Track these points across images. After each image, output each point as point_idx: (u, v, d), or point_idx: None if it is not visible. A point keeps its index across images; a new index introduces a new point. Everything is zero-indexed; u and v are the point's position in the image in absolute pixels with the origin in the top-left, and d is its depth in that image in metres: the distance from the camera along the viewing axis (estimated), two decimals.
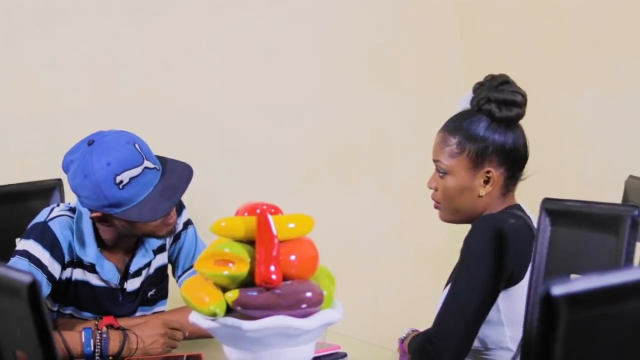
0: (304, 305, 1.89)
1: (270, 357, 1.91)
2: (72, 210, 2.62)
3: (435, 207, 2.52)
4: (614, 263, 2.16)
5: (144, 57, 3.64)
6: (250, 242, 1.94)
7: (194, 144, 3.68)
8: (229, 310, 1.91)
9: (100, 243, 2.62)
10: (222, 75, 3.75)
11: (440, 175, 2.48)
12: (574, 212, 2.32)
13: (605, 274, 1.44)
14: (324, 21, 3.91)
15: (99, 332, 2.52)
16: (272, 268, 1.89)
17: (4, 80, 3.47)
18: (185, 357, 2.48)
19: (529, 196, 2.50)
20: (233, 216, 1.99)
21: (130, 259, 2.66)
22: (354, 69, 3.96)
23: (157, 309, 2.75)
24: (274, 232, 1.91)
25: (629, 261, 2.15)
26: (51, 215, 2.60)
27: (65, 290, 2.63)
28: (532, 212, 2.45)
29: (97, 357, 2.50)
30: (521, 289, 2.38)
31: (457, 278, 2.39)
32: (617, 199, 2.75)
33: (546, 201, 2.34)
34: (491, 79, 2.49)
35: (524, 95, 2.47)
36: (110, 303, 2.65)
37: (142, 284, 2.69)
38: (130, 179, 2.47)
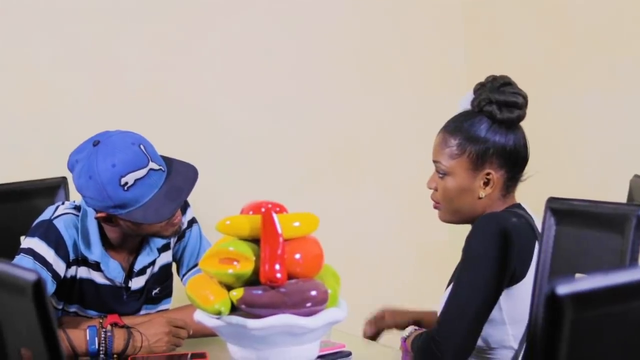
0: (308, 304, 1.89)
1: (274, 355, 1.91)
2: (77, 208, 2.62)
3: (435, 208, 2.52)
4: (619, 262, 2.16)
5: (147, 56, 3.64)
6: (255, 240, 1.94)
7: (198, 142, 3.69)
8: (234, 309, 1.91)
9: (105, 241, 2.62)
10: (225, 74, 3.75)
11: (440, 176, 2.47)
12: (579, 211, 2.32)
13: (610, 274, 1.44)
14: (327, 20, 3.91)
15: (104, 330, 2.52)
16: (277, 266, 1.89)
17: (8, 78, 3.47)
18: (189, 356, 2.47)
19: (533, 196, 2.50)
20: (238, 215, 1.99)
21: (135, 258, 2.66)
22: (356, 68, 3.96)
23: (162, 307, 2.75)
24: (279, 230, 1.91)
25: (634, 261, 2.15)
26: (56, 214, 2.60)
27: (70, 289, 2.63)
28: (537, 211, 2.45)
29: (102, 355, 2.50)
30: (523, 287, 2.38)
31: (459, 277, 2.39)
32: (622, 198, 2.75)
33: (551, 200, 2.34)
34: (492, 80, 2.48)
35: (524, 97, 2.47)
36: (115, 301, 2.65)
37: (147, 282, 2.69)
38: (135, 180, 2.47)
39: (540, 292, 2.30)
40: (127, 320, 2.58)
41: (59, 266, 2.57)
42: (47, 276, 2.53)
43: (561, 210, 2.33)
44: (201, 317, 1.94)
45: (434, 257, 3.92)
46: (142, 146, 2.51)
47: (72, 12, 3.54)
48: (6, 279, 1.58)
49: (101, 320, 2.56)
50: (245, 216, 1.97)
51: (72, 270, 2.61)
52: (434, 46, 4.07)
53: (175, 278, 2.79)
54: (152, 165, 2.50)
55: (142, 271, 2.67)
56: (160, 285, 2.73)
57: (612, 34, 3.52)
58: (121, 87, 3.60)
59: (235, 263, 1.92)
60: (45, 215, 2.62)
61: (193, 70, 3.71)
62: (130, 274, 2.65)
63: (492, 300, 2.37)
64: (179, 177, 2.55)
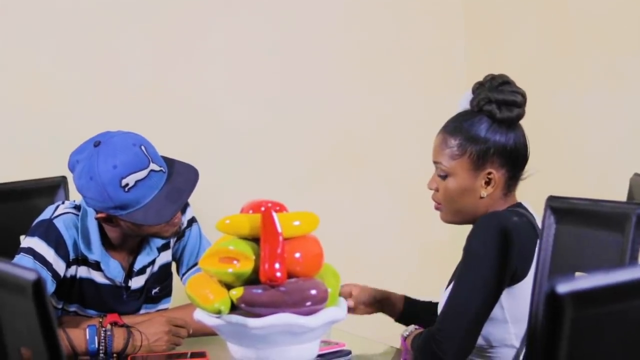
0: (308, 303, 1.89)
1: (274, 354, 1.91)
2: (77, 208, 2.62)
3: (436, 209, 2.52)
4: (619, 261, 2.16)
5: (148, 56, 3.64)
6: (255, 239, 1.94)
7: (198, 141, 3.69)
8: (234, 308, 1.91)
9: (105, 241, 2.62)
10: (225, 72, 3.75)
11: (440, 177, 2.47)
12: (579, 209, 2.32)
13: (610, 272, 1.43)
14: (328, 18, 3.91)
15: (104, 329, 2.52)
16: (277, 265, 1.89)
17: (8, 78, 3.47)
18: (189, 355, 2.47)
19: (534, 194, 2.49)
20: (238, 214, 1.99)
21: (135, 257, 2.66)
22: (357, 66, 3.96)
23: (161, 306, 2.75)
24: (279, 229, 1.91)
25: (634, 259, 2.15)
26: (56, 213, 2.60)
27: (69, 288, 2.63)
28: (537, 210, 2.44)
29: (102, 355, 2.50)
30: (524, 286, 2.37)
31: (460, 276, 2.39)
32: (622, 197, 2.75)
33: (551, 199, 2.34)
34: (491, 79, 2.48)
35: (523, 95, 2.47)
36: (115, 301, 2.65)
37: (147, 281, 2.69)
38: (136, 181, 2.47)
39: (540, 291, 2.30)
40: (127, 320, 2.58)
41: (59, 266, 2.57)
42: (47, 276, 2.53)
43: (561, 208, 2.32)
44: (201, 316, 1.94)
45: (435, 255, 3.92)
46: (143, 147, 2.50)
47: (73, 12, 3.54)
48: (6, 278, 1.58)
49: (101, 320, 2.56)
50: (245, 215, 1.97)
51: (72, 270, 2.61)
52: (435, 44, 4.07)
53: (175, 277, 2.79)
54: (153, 166, 2.50)
55: (142, 270, 2.67)
56: (160, 284, 2.73)
57: (612, 32, 3.52)
58: (121, 86, 3.60)
59: (235, 262, 1.92)
60: (45, 214, 2.62)
61: (194, 68, 3.71)
62: (130, 274, 2.65)
63: (492, 300, 2.37)
64: (180, 178, 2.55)
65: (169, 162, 2.57)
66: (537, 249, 2.37)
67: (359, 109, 3.96)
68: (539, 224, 2.40)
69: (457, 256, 2.46)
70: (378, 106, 4.00)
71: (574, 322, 1.38)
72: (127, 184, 2.46)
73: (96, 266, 2.62)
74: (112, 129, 2.59)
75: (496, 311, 2.38)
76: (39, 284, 1.51)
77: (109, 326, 2.53)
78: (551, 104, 3.68)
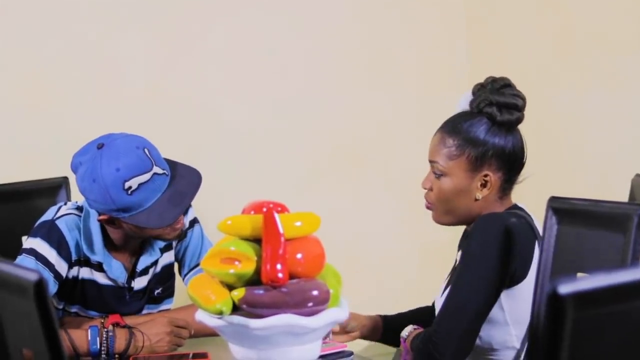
0: (310, 304, 1.89)
1: (276, 355, 1.91)
2: (80, 209, 2.62)
3: (427, 208, 2.50)
4: (621, 262, 2.16)
5: (148, 56, 3.64)
6: (256, 240, 1.94)
7: (199, 142, 3.69)
8: (235, 309, 1.91)
9: (108, 242, 2.62)
10: (227, 73, 3.75)
11: (436, 176, 2.46)
12: (581, 210, 2.32)
13: (611, 273, 1.43)
14: (329, 19, 3.91)
15: (105, 330, 2.52)
16: (279, 266, 1.89)
17: (9, 78, 3.47)
18: (191, 355, 2.47)
19: (535, 195, 2.49)
20: (239, 214, 1.99)
21: (138, 258, 2.66)
22: (359, 67, 3.96)
23: (163, 307, 2.75)
24: (281, 230, 1.91)
25: (635, 260, 2.15)
26: (58, 214, 2.60)
27: (72, 289, 2.63)
28: (538, 211, 2.44)
29: (103, 355, 2.50)
30: (524, 287, 2.37)
31: (459, 277, 2.39)
32: (624, 197, 2.75)
33: (553, 200, 2.34)
34: (492, 81, 2.47)
35: (524, 99, 2.46)
36: (117, 302, 2.65)
37: (149, 282, 2.69)
38: (139, 184, 2.47)
39: (542, 292, 2.30)
40: (129, 320, 2.58)
41: (61, 267, 2.57)
42: (49, 276, 2.53)
43: (563, 209, 2.33)
44: (203, 317, 1.94)
45: (436, 256, 3.92)
46: (146, 150, 2.50)
47: (73, 12, 3.54)
48: (8, 279, 1.58)
49: (103, 321, 2.57)
50: (246, 216, 1.97)
51: (74, 271, 2.61)
52: (436, 45, 4.07)
53: (178, 278, 2.79)
54: (156, 169, 2.50)
55: (144, 271, 2.67)
56: (163, 285, 2.73)
57: (613, 33, 3.52)
58: (123, 87, 3.60)
59: (236, 263, 1.92)
60: (48, 215, 2.62)
61: (195, 69, 3.71)
62: (132, 274, 2.65)
63: (491, 300, 2.36)
64: (183, 181, 2.55)
65: (172, 165, 2.57)
66: (537, 249, 2.37)
67: (361, 110, 3.96)
68: (537, 225, 2.40)
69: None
70: (379, 107, 4.00)
71: (575, 322, 1.38)
72: (130, 187, 2.46)
73: (98, 267, 2.62)
74: (113, 130, 2.59)
75: (497, 314, 2.38)
76: (40, 284, 1.51)
77: (110, 327, 2.53)
78: (552, 104, 3.68)
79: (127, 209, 2.48)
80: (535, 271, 2.35)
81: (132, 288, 2.66)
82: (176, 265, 2.78)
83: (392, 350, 2.58)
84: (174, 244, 2.73)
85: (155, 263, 2.69)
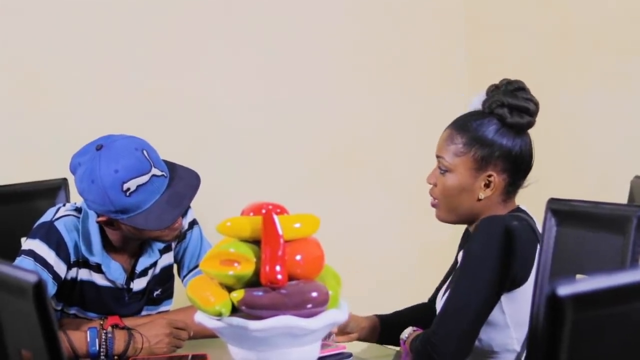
0: (309, 305, 1.89)
1: (275, 357, 1.91)
2: (78, 210, 2.62)
3: (432, 205, 2.51)
4: (620, 263, 2.16)
5: (149, 57, 3.64)
6: (255, 242, 1.94)
7: (198, 143, 3.69)
8: (235, 310, 1.91)
9: (107, 243, 2.62)
10: (226, 74, 3.75)
11: (441, 172, 2.47)
12: (580, 212, 2.32)
13: (611, 275, 1.43)
14: (328, 20, 3.92)
15: (104, 331, 2.52)
16: (278, 268, 1.88)
17: (8, 79, 3.47)
18: (190, 357, 2.47)
19: (534, 197, 2.49)
20: (239, 216, 1.99)
21: (137, 259, 2.66)
22: (358, 68, 3.96)
23: (162, 308, 2.75)
24: (280, 232, 1.91)
25: (634, 261, 2.15)
26: (57, 215, 2.60)
27: (70, 290, 2.63)
28: (537, 213, 2.44)
29: (102, 357, 2.50)
30: (525, 290, 2.37)
31: (459, 279, 2.38)
32: (623, 199, 2.75)
33: (552, 201, 2.34)
34: (507, 83, 2.48)
35: (536, 104, 2.46)
36: (116, 303, 2.65)
37: (148, 283, 2.69)
38: (138, 186, 2.47)
39: (541, 293, 2.29)
40: (128, 322, 2.58)
41: (60, 268, 2.57)
42: (47, 278, 2.53)
43: (562, 211, 2.33)
44: (202, 319, 1.94)
45: (435, 258, 3.91)
46: (145, 152, 2.51)
47: (74, 13, 3.54)
48: (7, 280, 1.58)
49: (102, 322, 2.56)
50: (246, 217, 1.97)
51: (72, 272, 2.61)
52: (435, 46, 4.07)
53: (177, 279, 2.79)
54: (154, 171, 2.50)
55: (143, 272, 2.67)
56: (162, 286, 2.73)
57: (613, 34, 3.52)
58: (122, 88, 3.60)
59: (235, 264, 1.92)
60: (46, 217, 2.62)
61: (194, 70, 3.71)
62: (132, 275, 2.65)
63: (491, 303, 2.36)
64: (181, 183, 2.55)
65: (171, 167, 2.57)
66: (537, 252, 2.37)
67: (360, 111, 3.96)
68: (539, 227, 2.40)
69: None
70: (378, 108, 4.00)
71: (574, 324, 1.38)
72: (128, 189, 2.46)
73: (97, 268, 2.62)
74: (113, 131, 2.59)
75: (498, 317, 2.38)
76: (39, 286, 1.51)
77: (109, 328, 2.53)
78: (552, 105, 3.66)
79: (126, 211, 2.48)
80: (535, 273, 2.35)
81: (131, 289, 2.66)
82: (175, 267, 2.78)
83: (391, 352, 2.58)
84: (173, 245, 2.73)
85: (154, 264, 2.69)
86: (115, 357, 2.51)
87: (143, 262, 2.66)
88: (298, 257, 1.92)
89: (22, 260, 2.54)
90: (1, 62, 3.47)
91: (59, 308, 2.66)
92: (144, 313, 2.70)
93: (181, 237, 2.72)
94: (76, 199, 2.73)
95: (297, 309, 1.88)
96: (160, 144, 2.60)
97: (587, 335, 1.40)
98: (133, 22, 3.62)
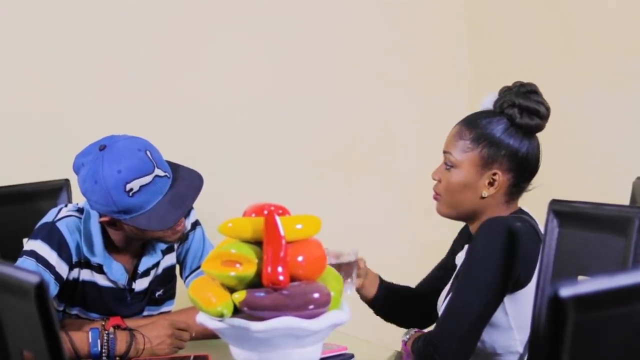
0: (311, 306, 1.89)
1: (277, 358, 1.91)
2: (80, 210, 2.62)
3: (434, 198, 2.51)
4: (622, 265, 2.16)
5: (150, 57, 3.65)
6: (257, 243, 1.94)
7: (200, 144, 3.69)
8: (236, 311, 1.91)
9: (109, 244, 2.62)
10: (228, 75, 3.76)
11: (446, 168, 2.48)
12: (582, 213, 2.32)
13: (613, 276, 1.43)
14: (330, 21, 3.92)
15: (106, 332, 2.52)
16: (280, 269, 1.89)
17: (9, 79, 3.47)
18: (192, 358, 2.47)
19: (536, 198, 2.49)
20: (240, 217, 1.99)
21: (139, 259, 2.66)
22: (359, 69, 3.96)
23: (164, 309, 2.75)
24: (282, 233, 1.91)
25: (636, 263, 2.15)
26: (59, 216, 2.60)
27: (72, 291, 2.63)
28: (539, 214, 2.44)
29: (104, 358, 2.50)
30: (528, 292, 2.37)
31: (462, 280, 2.39)
32: (625, 200, 2.75)
33: (554, 203, 2.34)
34: (520, 85, 2.49)
35: (547, 108, 2.47)
36: (118, 303, 2.65)
37: (150, 284, 2.69)
38: (141, 187, 2.47)
39: (543, 294, 2.29)
40: (130, 323, 2.58)
41: (62, 268, 2.57)
42: (49, 278, 2.53)
43: (564, 212, 2.32)
44: (204, 320, 1.94)
45: (437, 258, 3.92)
46: (148, 152, 2.51)
47: (75, 13, 3.54)
48: (9, 281, 1.58)
49: (104, 323, 2.56)
50: (247, 218, 1.97)
51: (74, 273, 2.61)
52: (436, 47, 4.07)
53: (179, 280, 2.79)
54: (157, 171, 2.50)
55: (145, 273, 2.67)
56: (164, 287, 2.73)
57: (614, 34, 3.52)
58: (124, 88, 3.61)
59: (237, 265, 1.92)
60: (48, 217, 2.62)
61: (195, 70, 3.71)
62: (134, 276, 2.66)
63: (493, 304, 2.36)
64: (184, 183, 2.55)
65: (174, 167, 2.57)
66: (539, 253, 2.37)
67: (361, 111, 3.97)
68: (541, 229, 2.40)
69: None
70: (380, 108, 4.00)
71: (576, 325, 1.38)
72: (131, 189, 2.46)
73: (99, 269, 2.62)
74: (114, 131, 2.60)
75: (501, 318, 2.38)
76: (41, 286, 1.51)
77: (111, 329, 2.53)
78: (553, 106, 3.65)
79: (128, 211, 2.48)
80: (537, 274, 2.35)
81: (133, 289, 2.66)
82: (177, 268, 2.78)
83: (392, 352, 2.58)
84: (175, 246, 2.73)
85: (156, 265, 2.69)
86: (117, 358, 2.51)
87: (145, 263, 2.66)
88: (300, 258, 1.93)
89: (24, 261, 2.54)
90: (4, 63, 3.48)
91: (61, 309, 2.66)
92: (145, 313, 2.70)
93: (184, 238, 2.72)
94: (78, 199, 2.73)
95: (299, 310, 1.88)
96: (161, 144, 2.60)
97: (589, 336, 1.40)
98: (134, 22, 3.62)
